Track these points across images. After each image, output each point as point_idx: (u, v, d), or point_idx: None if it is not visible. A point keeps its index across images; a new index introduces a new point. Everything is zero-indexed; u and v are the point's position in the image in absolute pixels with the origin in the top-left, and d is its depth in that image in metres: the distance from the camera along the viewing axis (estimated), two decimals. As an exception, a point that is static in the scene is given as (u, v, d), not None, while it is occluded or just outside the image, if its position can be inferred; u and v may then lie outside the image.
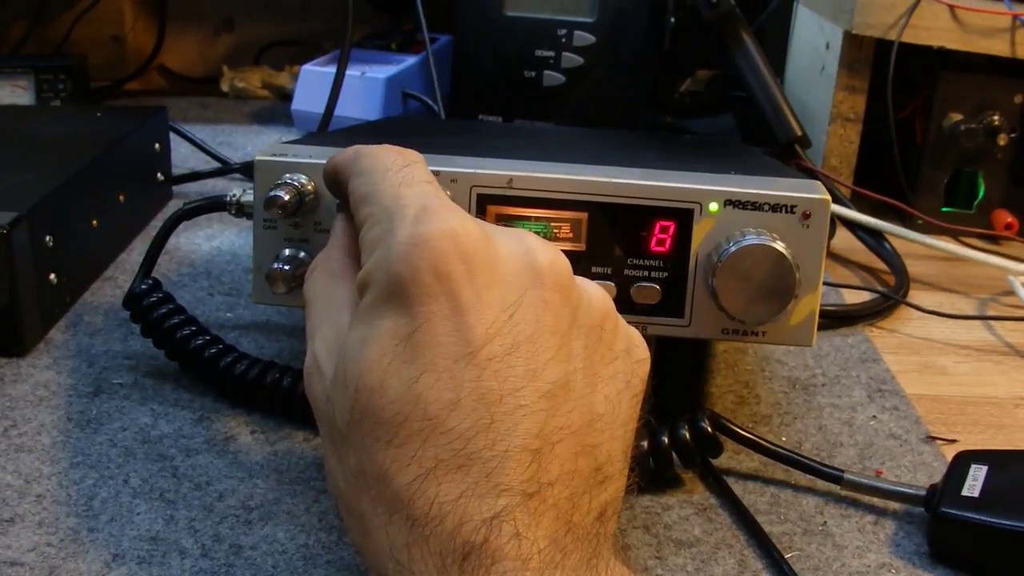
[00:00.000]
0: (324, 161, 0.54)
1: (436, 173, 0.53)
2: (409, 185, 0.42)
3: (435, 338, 0.37)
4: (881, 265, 0.92)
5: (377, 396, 0.37)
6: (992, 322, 0.82)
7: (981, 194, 1.01)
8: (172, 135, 1.01)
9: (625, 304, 0.54)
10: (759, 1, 1.23)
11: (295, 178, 0.54)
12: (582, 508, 0.38)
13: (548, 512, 0.37)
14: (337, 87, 1.01)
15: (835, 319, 0.80)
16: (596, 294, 0.43)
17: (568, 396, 0.39)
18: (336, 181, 0.47)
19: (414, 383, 0.37)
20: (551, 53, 1.09)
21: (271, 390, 0.62)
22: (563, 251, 0.53)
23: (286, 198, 0.52)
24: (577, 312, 0.41)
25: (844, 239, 0.95)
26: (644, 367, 0.44)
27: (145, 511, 0.53)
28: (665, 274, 0.54)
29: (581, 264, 0.54)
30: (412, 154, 0.45)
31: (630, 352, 0.43)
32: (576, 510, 0.38)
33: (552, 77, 1.10)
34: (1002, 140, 0.98)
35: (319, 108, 1.03)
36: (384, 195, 0.42)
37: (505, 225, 0.53)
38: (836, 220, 0.95)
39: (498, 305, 0.38)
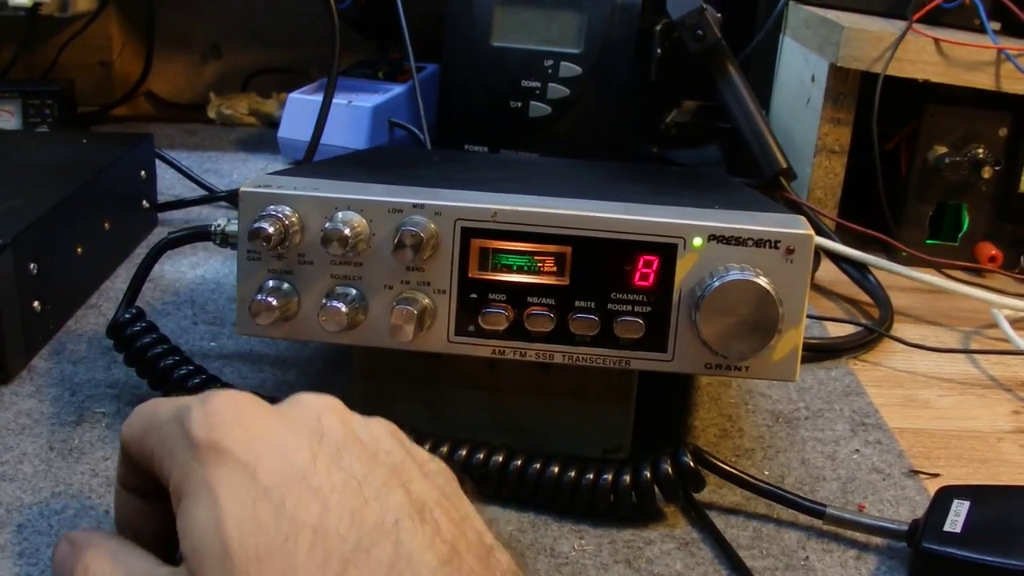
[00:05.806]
0: (310, 193, 0.54)
1: (420, 206, 0.54)
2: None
3: (272, 468, 0.38)
4: (865, 298, 0.92)
5: (259, 537, 0.36)
6: (976, 355, 0.82)
7: (965, 227, 1.01)
8: (158, 162, 1.01)
9: (608, 339, 0.54)
10: (745, 33, 1.23)
11: (279, 210, 0.54)
12: (496, 571, 0.38)
13: None
14: (323, 115, 1.01)
15: (819, 352, 0.80)
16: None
17: (412, 474, 0.40)
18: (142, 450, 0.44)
19: (281, 510, 0.36)
20: (537, 84, 1.09)
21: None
22: (547, 285, 0.54)
23: (270, 230, 0.52)
24: (367, 423, 0.43)
25: (828, 271, 0.96)
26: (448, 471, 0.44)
27: (125, 543, 0.53)
28: (648, 308, 0.54)
29: (564, 298, 0.54)
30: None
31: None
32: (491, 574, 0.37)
33: (538, 108, 1.10)
34: (986, 173, 0.98)
35: (306, 136, 1.03)
36: (161, 413, 0.42)
37: (488, 259, 0.54)
38: (820, 252, 0.96)
39: (306, 428, 0.40)
